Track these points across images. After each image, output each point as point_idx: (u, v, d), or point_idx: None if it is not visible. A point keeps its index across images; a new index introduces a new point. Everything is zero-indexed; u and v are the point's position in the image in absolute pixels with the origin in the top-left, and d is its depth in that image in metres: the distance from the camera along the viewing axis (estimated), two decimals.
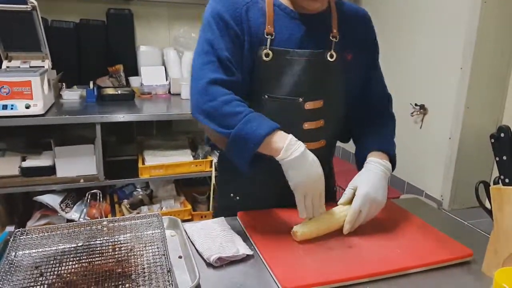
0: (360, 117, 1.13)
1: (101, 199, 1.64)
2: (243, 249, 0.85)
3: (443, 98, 2.50)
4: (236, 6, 0.95)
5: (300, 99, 0.98)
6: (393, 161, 1.06)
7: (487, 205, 0.88)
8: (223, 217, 1.01)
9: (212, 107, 0.90)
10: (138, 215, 0.95)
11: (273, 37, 0.96)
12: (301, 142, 0.90)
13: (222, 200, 1.18)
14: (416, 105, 2.65)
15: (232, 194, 1.12)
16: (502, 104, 2.44)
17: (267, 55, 0.96)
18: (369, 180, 0.96)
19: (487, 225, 0.94)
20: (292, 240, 0.90)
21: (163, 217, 0.93)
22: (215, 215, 1.10)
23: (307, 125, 1.01)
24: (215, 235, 0.90)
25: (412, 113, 2.66)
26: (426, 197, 2.60)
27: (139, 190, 2.45)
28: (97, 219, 0.92)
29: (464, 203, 2.44)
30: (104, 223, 0.91)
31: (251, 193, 1.09)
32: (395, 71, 2.83)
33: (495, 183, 0.85)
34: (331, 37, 1.00)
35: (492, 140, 0.83)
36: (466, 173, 2.42)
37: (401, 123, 2.94)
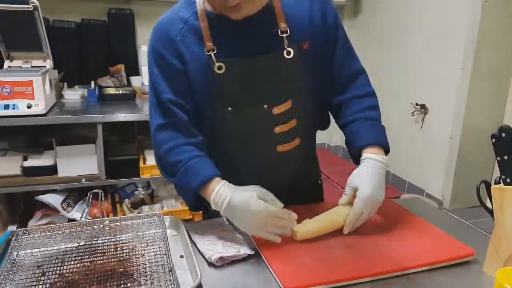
0: (339, 101, 1.07)
1: (102, 199, 1.65)
2: (245, 249, 0.85)
3: (444, 97, 2.50)
4: (171, 38, 0.93)
5: (265, 106, 0.95)
6: (387, 149, 1.02)
7: (488, 204, 0.88)
8: (224, 217, 1.01)
9: (159, 156, 0.97)
10: (140, 214, 0.95)
11: (215, 51, 0.92)
12: (228, 189, 0.88)
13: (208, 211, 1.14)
14: (417, 104, 2.65)
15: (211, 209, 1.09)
16: (503, 103, 2.44)
17: (219, 68, 0.92)
18: (369, 181, 0.93)
19: (488, 225, 0.94)
20: (293, 240, 0.90)
21: (164, 216, 0.94)
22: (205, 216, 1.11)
23: (278, 129, 0.98)
24: (216, 235, 0.90)
25: (412, 112, 2.66)
26: (427, 196, 2.61)
27: (140, 189, 2.46)
28: (98, 219, 0.92)
29: (465, 203, 2.44)
30: (106, 222, 0.91)
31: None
32: (396, 70, 2.83)
33: (496, 183, 0.85)
34: (280, 34, 0.93)
35: (493, 140, 0.83)
36: (467, 172, 2.42)
37: (402, 123, 2.97)
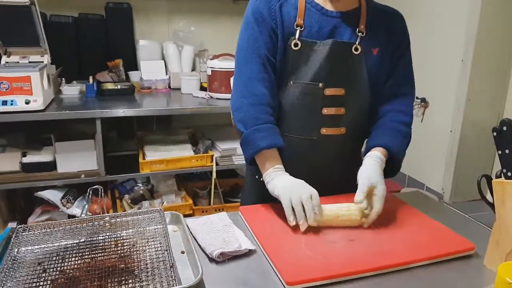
0: (379, 108, 1.15)
1: (102, 195, 1.64)
2: (246, 244, 0.85)
3: (444, 91, 2.49)
4: (271, 4, 1.07)
5: (320, 85, 1.05)
6: (396, 164, 1.11)
7: (489, 198, 0.88)
8: (225, 212, 1.01)
9: (240, 104, 1.06)
10: (140, 210, 0.95)
11: (302, 29, 1.06)
12: (283, 171, 1.01)
13: (248, 181, 1.26)
14: (417, 98, 2.64)
15: (257, 176, 1.16)
16: (504, 96, 2.44)
17: (296, 45, 1.05)
18: (381, 176, 1.01)
19: (488, 218, 0.94)
20: (294, 235, 0.90)
21: (165, 212, 0.93)
22: (241, 202, 1.26)
23: (326, 111, 1.07)
24: (217, 230, 0.90)
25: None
26: (427, 190, 2.61)
27: (140, 185, 2.46)
28: (99, 215, 0.92)
29: (466, 196, 2.44)
30: (106, 218, 0.91)
31: None
32: None
33: (497, 176, 0.85)
34: (357, 32, 1.07)
35: (494, 134, 0.83)
36: (467, 166, 2.42)
37: None
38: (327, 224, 0.93)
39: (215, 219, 0.97)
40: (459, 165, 2.43)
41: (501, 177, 0.84)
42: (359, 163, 1.11)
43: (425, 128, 2.65)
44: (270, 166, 1.01)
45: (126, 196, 2.34)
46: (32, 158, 2.11)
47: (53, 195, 2.12)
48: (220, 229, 0.91)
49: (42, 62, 2.12)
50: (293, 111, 1.10)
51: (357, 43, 1.06)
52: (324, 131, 1.09)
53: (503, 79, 2.38)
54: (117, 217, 0.92)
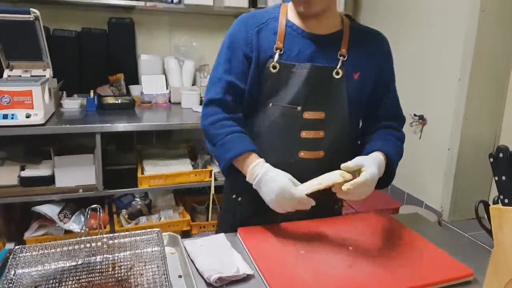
0: (369, 132, 1.17)
1: (100, 212, 1.64)
2: (244, 268, 0.85)
3: (442, 108, 2.51)
4: (250, 29, 1.08)
5: (299, 108, 1.06)
6: (391, 172, 1.10)
7: (487, 224, 0.88)
8: (223, 234, 1.01)
9: (204, 126, 1.11)
10: (138, 231, 0.94)
11: (282, 52, 1.06)
12: (265, 164, 1.01)
13: (225, 205, 1.25)
14: (415, 115, 2.65)
15: (234, 196, 1.17)
16: (501, 114, 2.45)
17: (274, 67, 1.05)
18: (376, 166, 0.99)
19: (487, 237, 0.94)
20: (293, 259, 0.90)
21: (163, 233, 0.93)
22: (218, 223, 1.26)
23: (304, 134, 1.07)
24: (215, 253, 0.90)
25: (411, 123, 2.67)
26: (426, 208, 2.60)
27: (137, 200, 2.45)
28: (96, 236, 0.92)
29: (464, 214, 2.44)
30: (104, 240, 0.91)
31: (256, 195, 1.09)
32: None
33: (495, 202, 0.85)
34: (338, 56, 1.07)
35: (491, 160, 0.83)
36: (466, 184, 2.42)
37: None
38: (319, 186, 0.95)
39: (213, 241, 0.97)
40: (457, 183, 2.43)
41: (498, 203, 0.84)
42: None
43: (424, 145, 2.65)
44: (246, 170, 1.03)
45: (124, 211, 2.33)
46: (31, 172, 2.11)
47: (50, 210, 2.11)
48: (218, 252, 0.91)
49: (44, 76, 2.13)
50: (271, 133, 1.10)
51: (338, 67, 1.05)
52: (302, 154, 1.08)
53: (500, 97, 2.40)
54: (114, 238, 0.92)
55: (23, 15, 1.96)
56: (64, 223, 2.11)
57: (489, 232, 0.86)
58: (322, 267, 0.88)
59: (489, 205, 0.85)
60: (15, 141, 2.19)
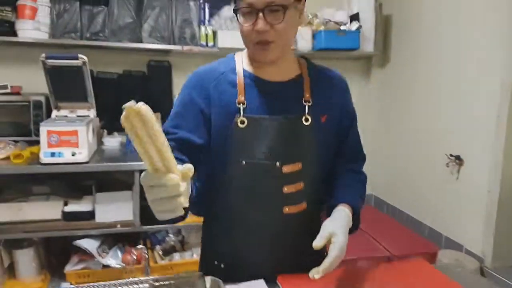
0: (334, 172, 1.15)
1: (145, 252, 1.69)
2: None
3: (480, 148, 2.45)
4: (205, 83, 1.03)
5: (277, 163, 1.01)
6: (357, 217, 1.07)
7: None
8: (263, 280, 1.01)
9: None
10: (181, 275, 0.97)
11: (245, 105, 1.01)
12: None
13: (204, 268, 1.16)
14: (451, 155, 2.60)
15: (216, 262, 1.13)
16: None
17: (242, 122, 1.00)
18: (345, 234, 0.96)
19: None
20: None
21: (205, 277, 0.95)
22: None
23: (286, 189, 1.03)
24: None
25: (447, 163, 2.62)
26: (466, 252, 2.50)
27: (171, 236, 2.48)
28: (143, 278, 0.95)
29: (508, 261, 2.32)
30: (150, 281, 0.94)
31: (241, 259, 1.08)
32: (428, 120, 2.82)
33: None
34: (303, 102, 1.04)
35: None
36: (509, 228, 2.32)
37: (437, 174, 2.90)
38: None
39: (253, 286, 0.97)
40: (499, 227, 2.33)
41: None
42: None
43: (461, 187, 2.58)
44: None
45: (158, 247, 2.37)
46: (73, 207, 2.20)
47: (90, 245, 2.18)
48: None
49: (88, 116, 2.26)
50: (248, 192, 1.04)
51: (306, 113, 1.03)
52: (286, 209, 1.05)
53: None
54: (157, 280, 0.95)
55: (73, 60, 2.12)
56: (103, 257, 2.17)
57: None
58: None
59: None
60: (59, 177, 2.30)
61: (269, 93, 1.04)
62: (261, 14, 0.94)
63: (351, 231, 1.03)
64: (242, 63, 1.07)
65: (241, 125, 1.00)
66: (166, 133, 0.96)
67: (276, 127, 1.01)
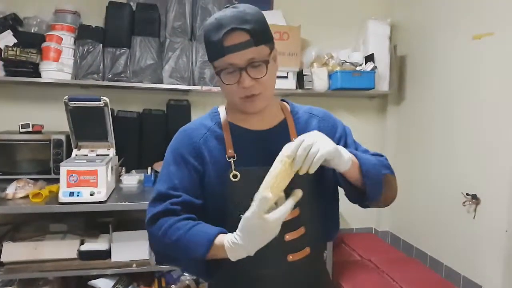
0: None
1: None
2: None
3: (497, 188, 2.43)
4: (194, 141, 1.05)
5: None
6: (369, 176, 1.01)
7: None
8: None
9: (155, 246, 1.03)
10: None
11: (235, 159, 1.02)
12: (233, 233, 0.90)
13: None
14: (467, 194, 2.58)
15: None
16: None
17: (235, 176, 1.01)
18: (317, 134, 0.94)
19: None
20: None
21: None
22: None
23: (288, 237, 1.02)
24: None
25: (464, 202, 2.59)
26: None
27: (186, 274, 2.47)
28: None
29: None
30: None
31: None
32: (444, 159, 2.82)
33: None
34: None
35: None
36: None
37: (453, 213, 2.88)
38: (275, 189, 0.88)
39: None
40: None
41: None
42: (325, 270, 1.16)
43: (479, 226, 2.55)
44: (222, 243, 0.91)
45: (173, 287, 2.35)
46: (90, 246, 2.20)
47: (105, 284, 2.17)
48: None
49: (108, 155, 2.29)
50: None
51: None
52: (290, 257, 1.04)
53: None
54: None
55: (95, 102, 2.17)
56: None
57: None
58: None
59: None
60: (77, 214, 2.32)
61: (257, 143, 1.05)
62: (244, 72, 0.97)
63: (370, 194, 1.00)
64: (226, 116, 1.09)
65: (234, 179, 1.01)
66: (168, 196, 1.01)
67: None
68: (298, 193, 0.89)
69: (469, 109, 2.60)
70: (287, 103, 1.16)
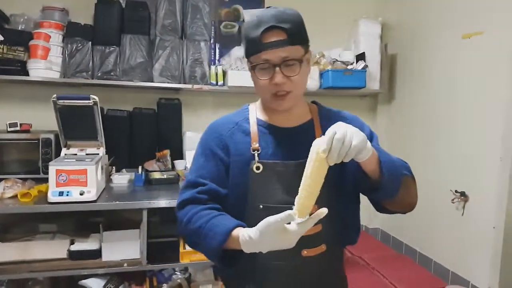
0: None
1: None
2: None
3: (484, 186, 2.47)
4: (221, 134, 1.11)
5: (293, 206, 1.00)
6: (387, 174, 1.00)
7: None
8: None
9: (182, 230, 1.08)
10: None
11: (259, 152, 1.08)
12: (251, 228, 0.92)
13: None
14: (456, 191, 2.62)
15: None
16: None
17: (257, 168, 1.06)
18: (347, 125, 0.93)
19: None
20: None
21: None
22: None
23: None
24: None
25: (453, 199, 2.62)
26: None
27: (178, 273, 2.46)
28: None
29: None
30: None
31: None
32: (433, 156, 2.85)
33: None
34: None
35: None
36: None
37: (442, 210, 2.91)
38: (313, 189, 0.90)
39: None
40: (505, 263, 2.32)
41: None
42: (342, 274, 1.14)
43: (467, 223, 2.58)
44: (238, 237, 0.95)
45: (165, 286, 2.35)
46: (80, 246, 2.18)
47: (96, 284, 2.16)
48: None
49: (98, 154, 2.27)
50: None
51: None
52: (305, 252, 1.06)
53: None
54: None
55: (84, 101, 2.15)
56: None
57: None
58: None
59: None
60: (66, 214, 2.30)
61: (282, 139, 1.10)
62: (278, 68, 1.01)
63: (386, 194, 1.01)
64: (255, 112, 1.15)
65: (256, 171, 1.06)
66: (197, 184, 1.08)
67: (290, 171, 1.05)
68: (322, 213, 0.90)
69: (458, 107, 2.63)
70: (316, 104, 1.20)
